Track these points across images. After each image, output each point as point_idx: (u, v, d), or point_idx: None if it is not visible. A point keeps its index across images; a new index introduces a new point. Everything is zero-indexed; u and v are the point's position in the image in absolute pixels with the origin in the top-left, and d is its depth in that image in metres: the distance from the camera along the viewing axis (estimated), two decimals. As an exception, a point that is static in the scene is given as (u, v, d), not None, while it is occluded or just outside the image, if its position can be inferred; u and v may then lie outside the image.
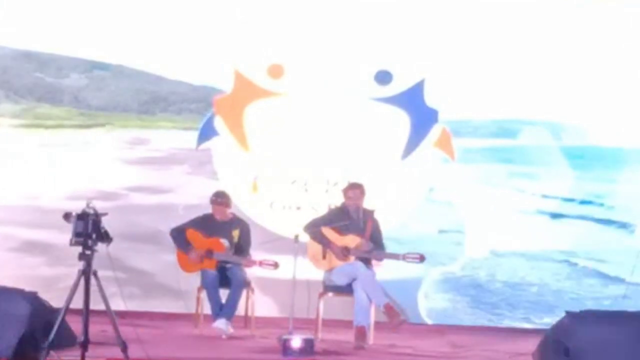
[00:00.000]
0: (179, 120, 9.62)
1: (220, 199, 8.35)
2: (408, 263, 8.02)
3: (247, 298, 8.28)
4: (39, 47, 9.53)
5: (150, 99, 9.69)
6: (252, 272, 8.38)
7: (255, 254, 8.34)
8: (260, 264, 8.05)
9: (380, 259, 8.17)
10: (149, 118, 9.65)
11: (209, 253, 8.13)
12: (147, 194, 9.45)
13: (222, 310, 7.98)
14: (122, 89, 9.66)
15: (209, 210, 8.39)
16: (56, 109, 9.67)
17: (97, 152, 9.52)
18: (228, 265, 8.18)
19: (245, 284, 8.20)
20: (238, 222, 8.42)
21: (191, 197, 9.24)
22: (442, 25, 9.22)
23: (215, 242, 8.18)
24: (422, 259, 7.95)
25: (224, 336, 7.87)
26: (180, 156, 9.50)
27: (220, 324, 7.88)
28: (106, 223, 6.20)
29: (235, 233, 8.31)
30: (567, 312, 6.83)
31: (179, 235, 8.27)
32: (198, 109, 9.58)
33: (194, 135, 9.38)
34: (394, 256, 8.06)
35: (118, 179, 9.44)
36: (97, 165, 9.47)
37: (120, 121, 9.61)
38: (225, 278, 8.14)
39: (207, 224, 8.29)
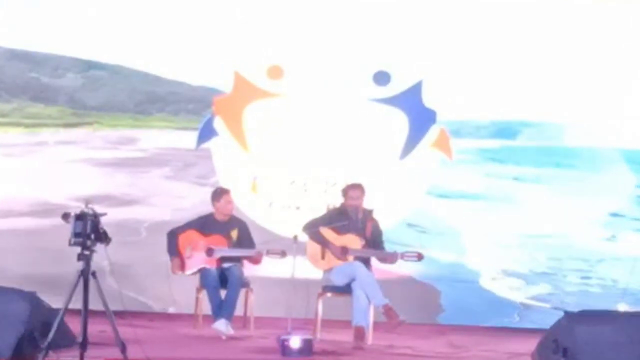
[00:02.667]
0: (175, 120, 9.58)
1: (225, 193, 8.29)
2: (406, 262, 8.04)
3: (246, 298, 8.23)
4: (34, 46, 9.48)
5: (147, 99, 9.62)
6: (251, 272, 8.32)
7: (254, 253, 8.29)
8: (267, 253, 7.98)
9: (380, 259, 8.14)
10: (144, 118, 9.58)
11: (209, 251, 8.09)
12: (107, 207, 9.00)
13: (221, 310, 7.94)
14: (118, 89, 9.60)
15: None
16: (49, 109, 9.60)
17: (69, 153, 9.40)
18: (226, 265, 8.13)
19: (244, 283, 8.14)
20: (236, 222, 8.35)
21: (160, 210, 9.11)
22: (440, 26, 9.22)
23: (216, 239, 8.13)
24: (420, 257, 7.95)
25: (223, 337, 7.83)
26: (165, 157, 9.43)
27: (220, 325, 7.82)
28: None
29: (234, 233, 8.25)
30: (566, 312, 6.80)
31: (171, 240, 8.19)
32: (196, 109, 9.54)
33: (188, 134, 9.36)
34: (392, 255, 8.02)
35: (78, 186, 9.07)
36: (59, 168, 9.30)
37: (111, 120, 9.52)
38: (223, 277, 8.10)
39: (205, 225, 8.23)
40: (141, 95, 9.62)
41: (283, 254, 7.90)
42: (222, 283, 8.07)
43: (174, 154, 9.42)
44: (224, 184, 8.91)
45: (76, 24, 9.26)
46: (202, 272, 8.09)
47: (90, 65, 9.53)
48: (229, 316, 7.90)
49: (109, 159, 9.41)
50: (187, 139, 9.36)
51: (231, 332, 7.86)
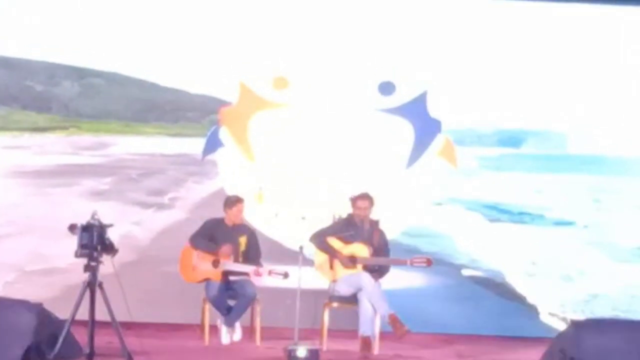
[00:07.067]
0: (171, 127, 9.54)
1: (239, 202, 8.25)
2: (415, 267, 8.02)
3: (253, 308, 8.18)
4: (29, 54, 9.40)
5: (144, 107, 9.55)
6: (257, 282, 8.24)
7: (261, 263, 8.28)
8: (270, 273, 7.95)
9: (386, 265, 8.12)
10: (136, 125, 9.53)
11: (215, 263, 8.06)
12: None
13: (226, 318, 8.03)
14: (115, 97, 9.53)
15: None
16: (39, 117, 9.52)
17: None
18: (233, 278, 8.11)
19: (254, 298, 8.10)
20: (245, 229, 8.33)
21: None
22: (444, 36, 9.22)
23: (223, 251, 8.07)
24: (429, 262, 7.93)
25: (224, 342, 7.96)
26: (125, 163, 9.34)
27: (222, 331, 7.98)
28: None
29: (242, 240, 8.22)
30: (572, 321, 6.78)
31: (201, 240, 8.14)
32: (195, 117, 9.52)
33: (176, 141, 9.34)
34: (401, 262, 8.04)
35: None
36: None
37: (96, 126, 9.45)
38: (230, 291, 8.10)
39: (215, 230, 8.18)
40: (138, 103, 9.56)
41: (286, 275, 7.84)
42: (229, 294, 8.08)
43: (139, 160, 9.35)
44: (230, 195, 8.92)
45: (72, 32, 9.22)
46: (206, 284, 8.07)
47: (86, 73, 9.50)
48: (231, 324, 8.00)
49: (45, 166, 9.28)
50: (174, 145, 9.34)
51: (228, 340, 8.01)
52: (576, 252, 9.39)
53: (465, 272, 9.31)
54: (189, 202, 9.43)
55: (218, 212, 8.31)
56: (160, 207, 9.37)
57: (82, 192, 9.27)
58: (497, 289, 9.32)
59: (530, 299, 9.28)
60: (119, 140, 9.47)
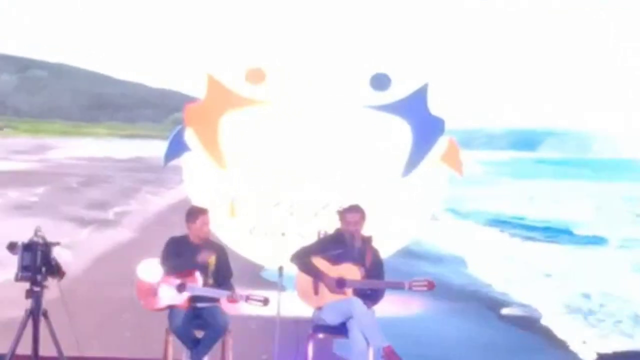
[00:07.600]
0: (127, 128, 9.50)
1: (203, 213, 8.01)
2: (415, 292, 7.86)
3: (224, 341, 7.86)
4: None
5: (95, 104, 9.58)
6: (229, 310, 7.98)
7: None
8: (247, 299, 7.67)
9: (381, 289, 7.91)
10: (85, 125, 9.48)
11: (181, 287, 7.79)
12: None
13: (192, 352, 7.70)
14: (61, 92, 9.48)
15: None
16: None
17: None
18: (202, 305, 7.82)
19: (226, 329, 7.79)
20: (214, 246, 8.00)
21: None
22: (448, 22, 9.30)
23: (189, 275, 7.79)
24: (431, 286, 7.69)
25: None
26: (66, 169, 9.32)
27: None
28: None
29: (212, 259, 7.93)
30: (599, 355, 6.85)
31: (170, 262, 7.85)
32: (155, 115, 9.52)
33: (134, 144, 9.30)
34: (398, 285, 7.82)
35: None
36: None
37: (38, 126, 9.40)
38: (198, 320, 7.80)
39: (179, 249, 7.90)
40: (88, 99, 9.58)
41: (265, 301, 7.54)
42: (197, 324, 7.79)
43: (83, 166, 9.36)
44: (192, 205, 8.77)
45: (11, 17, 9.23)
46: (170, 312, 7.75)
47: (27, 65, 9.45)
48: (198, 358, 7.73)
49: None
50: (128, 148, 9.30)
51: None
52: (615, 277, 9.37)
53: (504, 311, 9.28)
54: (140, 218, 9.31)
55: (178, 229, 8.10)
56: (103, 223, 9.25)
57: (2, 205, 9.15)
58: (515, 319, 9.32)
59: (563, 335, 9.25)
60: (61, 142, 9.45)
